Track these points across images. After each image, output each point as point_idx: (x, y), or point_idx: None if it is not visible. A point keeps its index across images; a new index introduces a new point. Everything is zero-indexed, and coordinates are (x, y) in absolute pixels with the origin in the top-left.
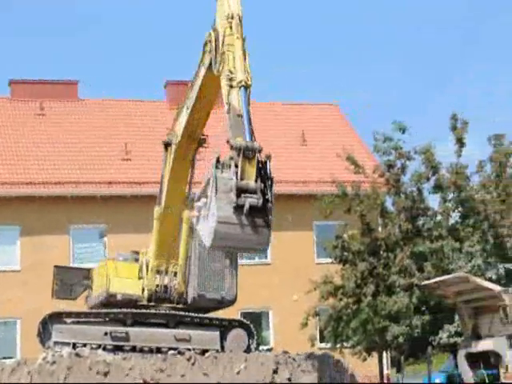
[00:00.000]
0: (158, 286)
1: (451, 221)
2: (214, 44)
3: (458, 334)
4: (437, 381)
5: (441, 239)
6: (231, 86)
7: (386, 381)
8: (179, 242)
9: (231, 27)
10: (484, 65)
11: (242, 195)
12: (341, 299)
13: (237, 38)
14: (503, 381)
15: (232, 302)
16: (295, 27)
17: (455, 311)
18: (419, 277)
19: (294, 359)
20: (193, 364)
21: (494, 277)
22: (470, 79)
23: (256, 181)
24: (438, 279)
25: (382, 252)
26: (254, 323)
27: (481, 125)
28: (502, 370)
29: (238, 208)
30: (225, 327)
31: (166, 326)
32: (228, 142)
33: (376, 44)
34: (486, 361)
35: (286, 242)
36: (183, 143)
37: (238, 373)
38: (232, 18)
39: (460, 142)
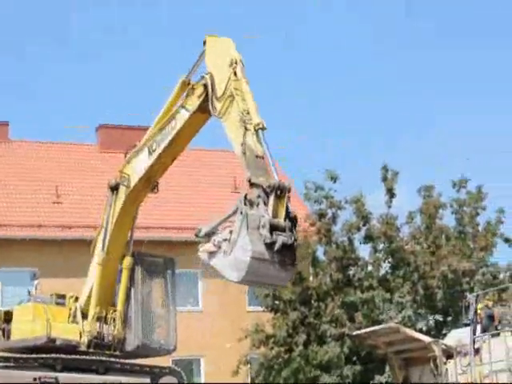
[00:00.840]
0: (98, 332)
1: (382, 271)
2: (210, 87)
3: None
4: None
5: (371, 289)
6: (246, 128)
7: None
8: (116, 288)
9: (235, 73)
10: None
11: (273, 232)
12: (272, 348)
13: (245, 83)
14: None
15: (173, 351)
16: None
17: (386, 362)
18: (350, 327)
19: None
20: None
21: (424, 328)
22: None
23: (285, 219)
24: (368, 329)
25: (313, 301)
26: (185, 371)
27: (412, 175)
28: None
29: (270, 245)
30: (156, 374)
31: (96, 372)
32: (249, 180)
33: (305, 89)
34: None
35: (218, 289)
36: (139, 187)
37: None
38: (236, 63)
39: (390, 193)
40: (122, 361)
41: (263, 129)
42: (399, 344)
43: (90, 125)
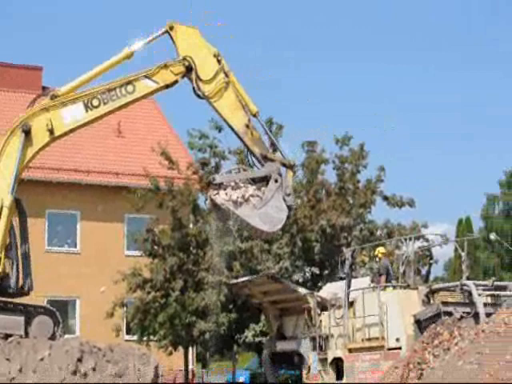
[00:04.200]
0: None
1: None
2: (194, 70)
3: (263, 333)
4: (241, 379)
5: (250, 239)
6: (246, 112)
7: (190, 376)
8: None
9: (219, 63)
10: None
11: None
12: (149, 292)
13: (233, 75)
14: (305, 381)
15: (27, 294)
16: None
17: (261, 311)
18: (228, 275)
19: (99, 349)
20: None
21: (300, 279)
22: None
23: None
24: (245, 278)
25: (192, 248)
26: (60, 311)
27: (298, 129)
28: (304, 371)
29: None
30: (30, 313)
31: None
32: (266, 156)
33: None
34: (290, 361)
35: (97, 232)
36: (62, 136)
37: (42, 359)
38: (219, 56)
39: (274, 146)
40: None
41: (257, 116)
42: (275, 294)
43: None
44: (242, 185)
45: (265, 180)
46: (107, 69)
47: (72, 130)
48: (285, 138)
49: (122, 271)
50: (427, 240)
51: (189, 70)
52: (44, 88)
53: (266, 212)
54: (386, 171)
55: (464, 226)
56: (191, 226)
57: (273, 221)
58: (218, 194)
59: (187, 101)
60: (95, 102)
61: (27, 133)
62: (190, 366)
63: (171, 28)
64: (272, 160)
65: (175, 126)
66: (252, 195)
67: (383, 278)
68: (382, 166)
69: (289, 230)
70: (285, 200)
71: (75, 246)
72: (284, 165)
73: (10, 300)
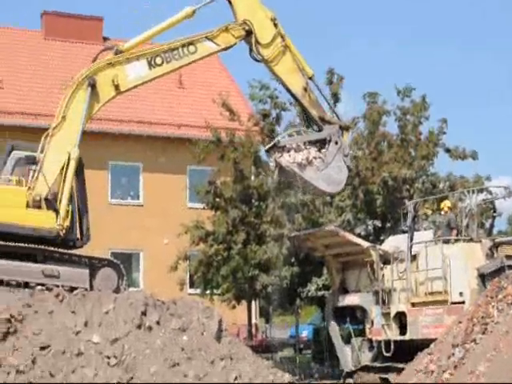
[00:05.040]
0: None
1: None
2: (254, 34)
3: (325, 287)
4: (304, 333)
5: None
6: (303, 76)
7: (254, 330)
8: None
9: (276, 27)
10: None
11: None
12: (211, 245)
13: (289, 40)
14: (368, 336)
15: (80, 247)
16: None
17: (324, 264)
18: (290, 228)
19: (163, 302)
20: (61, 301)
21: (362, 233)
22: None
23: None
24: (308, 231)
25: (254, 201)
26: (123, 264)
27: (359, 81)
28: (367, 326)
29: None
30: (94, 266)
31: (34, 260)
32: (323, 118)
33: None
34: (353, 315)
35: (159, 184)
36: (126, 91)
37: (107, 312)
38: (275, 19)
39: (335, 97)
40: (61, 250)
41: (313, 78)
42: (337, 247)
43: (35, 11)
44: (303, 147)
45: (321, 141)
46: (169, 27)
47: (135, 86)
48: (345, 90)
49: (184, 224)
50: (490, 193)
51: (248, 33)
52: (104, 39)
53: (329, 173)
54: (447, 123)
55: None
56: (253, 178)
57: (335, 181)
58: (282, 156)
59: (247, 52)
60: (158, 60)
61: (93, 87)
62: (254, 320)
63: None
64: (330, 122)
65: (236, 77)
66: (315, 157)
67: (454, 231)
68: (444, 118)
69: (351, 182)
70: (344, 161)
71: (138, 199)
72: (340, 126)
73: (74, 252)
